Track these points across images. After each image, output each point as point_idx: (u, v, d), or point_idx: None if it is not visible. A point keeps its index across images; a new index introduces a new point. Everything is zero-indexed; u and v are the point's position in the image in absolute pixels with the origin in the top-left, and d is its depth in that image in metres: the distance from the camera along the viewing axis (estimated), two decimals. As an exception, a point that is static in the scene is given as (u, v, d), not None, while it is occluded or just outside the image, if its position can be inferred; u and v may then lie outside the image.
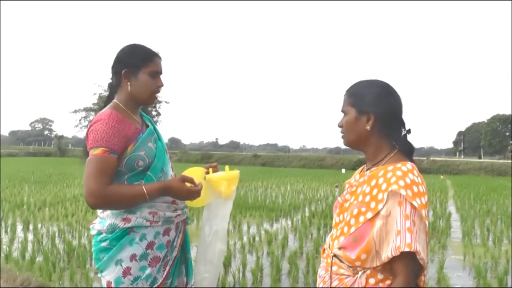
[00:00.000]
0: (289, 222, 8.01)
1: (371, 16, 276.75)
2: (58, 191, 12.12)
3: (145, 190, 1.68)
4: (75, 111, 41.88)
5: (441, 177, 24.29)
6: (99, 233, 1.76)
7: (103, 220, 1.76)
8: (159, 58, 1.86)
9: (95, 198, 1.64)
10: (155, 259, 1.75)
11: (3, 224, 7.13)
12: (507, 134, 57.95)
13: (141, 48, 1.84)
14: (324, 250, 1.49)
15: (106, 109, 1.78)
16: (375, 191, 1.33)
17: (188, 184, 1.75)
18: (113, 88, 1.87)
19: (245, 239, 6.37)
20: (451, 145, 74.84)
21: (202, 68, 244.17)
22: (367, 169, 1.46)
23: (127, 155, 1.72)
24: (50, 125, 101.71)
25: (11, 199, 9.87)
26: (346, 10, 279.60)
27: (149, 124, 1.91)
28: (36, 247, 5.57)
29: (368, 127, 1.41)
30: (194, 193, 1.76)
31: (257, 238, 6.41)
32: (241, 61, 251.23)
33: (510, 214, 9.06)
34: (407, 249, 1.21)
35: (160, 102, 39.98)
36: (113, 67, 1.85)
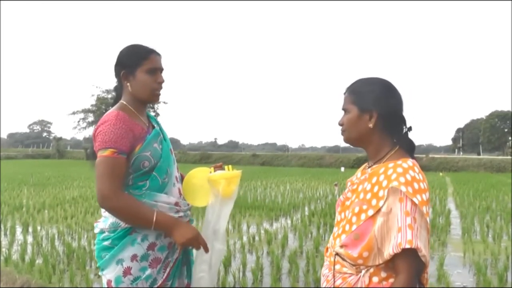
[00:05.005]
0: (289, 221, 8.01)
1: (369, 15, 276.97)
2: (57, 193, 12.09)
3: (155, 218, 1.69)
4: (74, 113, 41.75)
5: (440, 174, 24.32)
6: (102, 231, 1.77)
7: (106, 218, 1.77)
8: (157, 54, 1.84)
9: (106, 200, 1.66)
10: (156, 260, 1.75)
11: (2, 226, 7.10)
12: (506, 130, 57.85)
13: (136, 48, 1.83)
14: (327, 248, 1.49)
15: (113, 110, 1.77)
16: (376, 188, 1.32)
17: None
18: (119, 90, 1.88)
19: (245, 238, 6.37)
20: (450, 142, 74.74)
21: (200, 68, 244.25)
22: (369, 167, 1.45)
23: (134, 155, 1.72)
24: (49, 127, 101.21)
25: (10, 202, 9.84)
26: (344, 9, 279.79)
27: (156, 125, 1.91)
28: (35, 249, 5.56)
29: (370, 125, 1.40)
30: (195, 245, 1.79)
31: (257, 238, 6.41)
32: (239, 60, 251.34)
33: (510, 211, 9.07)
34: (408, 246, 1.21)
35: (158, 102, 39.97)
36: (114, 70, 1.86)
